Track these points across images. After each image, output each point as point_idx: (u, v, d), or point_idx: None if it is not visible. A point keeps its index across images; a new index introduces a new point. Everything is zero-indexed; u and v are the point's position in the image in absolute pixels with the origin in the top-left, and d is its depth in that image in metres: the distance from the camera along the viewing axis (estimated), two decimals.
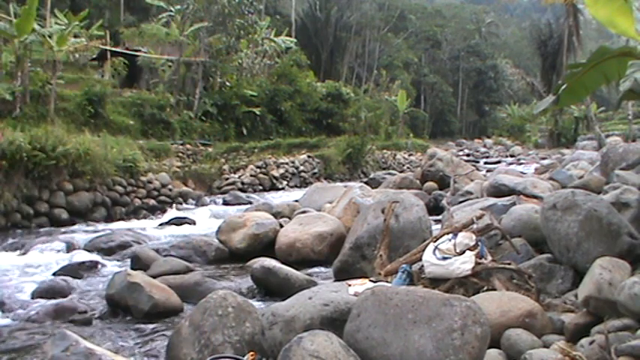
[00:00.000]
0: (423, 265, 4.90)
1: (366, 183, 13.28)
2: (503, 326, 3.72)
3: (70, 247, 8.40)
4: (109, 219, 11.71)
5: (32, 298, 5.96)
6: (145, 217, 12.38)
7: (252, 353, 3.66)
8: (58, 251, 8.29)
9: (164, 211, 12.87)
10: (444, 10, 61.09)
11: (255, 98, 22.16)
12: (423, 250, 5.00)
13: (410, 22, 52.88)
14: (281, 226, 8.34)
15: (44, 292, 6.03)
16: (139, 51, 22.08)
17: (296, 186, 18.78)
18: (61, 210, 11.00)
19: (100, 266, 7.35)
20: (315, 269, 7.06)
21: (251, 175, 17.90)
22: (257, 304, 5.43)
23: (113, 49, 22.14)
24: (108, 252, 8.16)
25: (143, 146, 15.34)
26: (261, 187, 17.84)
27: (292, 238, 7.62)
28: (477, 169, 15.59)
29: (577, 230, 4.41)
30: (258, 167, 18.41)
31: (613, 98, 34.60)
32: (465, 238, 4.83)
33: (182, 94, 20.38)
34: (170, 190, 13.88)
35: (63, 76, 17.47)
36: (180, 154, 17.21)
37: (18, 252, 8.32)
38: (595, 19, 4.37)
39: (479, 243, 4.80)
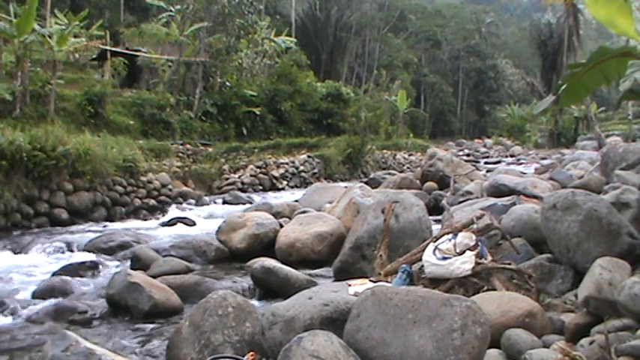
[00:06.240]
0: (423, 265, 4.90)
1: (366, 183, 13.26)
2: (504, 326, 3.72)
3: (70, 247, 8.41)
4: (109, 219, 11.69)
5: (32, 298, 5.96)
6: (145, 217, 12.37)
7: (252, 353, 3.66)
8: (58, 251, 8.30)
9: (164, 211, 12.85)
10: (444, 10, 61.06)
11: (255, 98, 22.16)
12: (423, 250, 5.00)
13: (410, 22, 52.87)
14: (281, 226, 8.34)
15: (44, 292, 6.03)
16: (139, 51, 22.09)
17: (296, 186, 18.77)
18: (61, 210, 10.99)
19: (100, 266, 7.33)
20: (315, 269, 7.05)
21: (251, 175, 17.89)
22: (257, 304, 5.43)
23: (113, 49, 22.15)
24: (108, 252, 8.14)
25: (143, 146, 15.32)
26: (261, 187, 17.83)
27: (292, 238, 7.61)
28: (477, 169, 15.58)
29: (577, 230, 4.41)
30: (258, 167, 18.40)
31: (613, 98, 34.61)
32: (465, 238, 4.83)
33: (182, 94, 20.38)
34: (170, 190, 13.87)
35: (63, 76, 17.46)
36: (180, 154, 17.19)
37: (18, 252, 8.32)
38: (595, 19, 4.37)
39: (479, 243, 4.80)
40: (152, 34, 21.59)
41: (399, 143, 29.45)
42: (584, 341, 3.49)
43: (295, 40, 30.12)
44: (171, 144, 17.22)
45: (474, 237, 4.85)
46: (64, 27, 16.34)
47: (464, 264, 4.59)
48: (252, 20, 22.48)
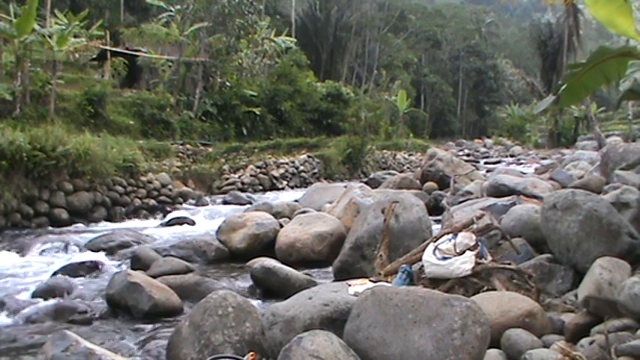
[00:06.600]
0: (423, 265, 4.90)
1: (366, 183, 13.27)
2: (504, 326, 3.71)
3: (70, 247, 8.41)
4: (109, 219, 11.70)
5: (32, 298, 5.96)
6: (145, 217, 12.38)
7: (252, 353, 3.65)
8: (58, 251, 8.31)
9: (164, 211, 12.86)
10: (444, 10, 61.07)
11: (255, 98, 22.16)
12: (423, 250, 4.99)
13: (410, 22, 52.87)
14: (281, 226, 8.34)
15: (44, 292, 6.02)
16: (139, 51, 22.09)
17: (296, 186, 18.78)
18: (61, 210, 10.99)
19: (100, 266, 7.34)
20: (315, 269, 7.06)
21: (251, 175, 17.89)
22: (257, 304, 5.43)
23: (113, 49, 22.15)
24: (108, 252, 8.15)
25: (143, 146, 15.33)
26: (261, 187, 17.83)
27: (292, 238, 7.62)
28: (477, 169, 15.58)
29: (577, 230, 4.40)
30: (258, 167, 18.41)
31: (613, 98, 34.60)
32: (465, 238, 4.83)
33: (182, 94, 20.38)
34: (170, 190, 13.87)
35: (63, 76, 17.47)
36: (180, 154, 17.20)
37: (18, 252, 8.32)
38: (595, 19, 4.37)
39: (479, 243, 4.79)
40: (152, 34, 21.59)
41: (399, 143, 29.46)
42: (584, 341, 3.48)
43: (295, 40, 30.11)
44: (172, 144, 17.22)
45: (473, 237, 4.85)
46: (64, 27, 16.35)
47: (464, 264, 4.59)
48: (252, 20, 22.48)
